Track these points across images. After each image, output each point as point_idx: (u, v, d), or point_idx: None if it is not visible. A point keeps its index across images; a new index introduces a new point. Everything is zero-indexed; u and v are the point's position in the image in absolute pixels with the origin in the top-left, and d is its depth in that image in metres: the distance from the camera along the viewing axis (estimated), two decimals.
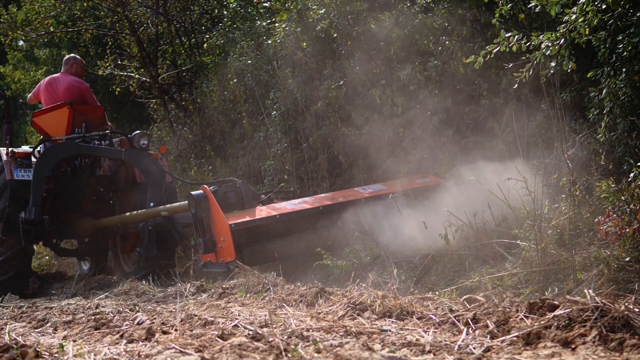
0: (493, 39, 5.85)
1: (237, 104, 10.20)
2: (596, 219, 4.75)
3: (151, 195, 7.78)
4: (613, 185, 4.81)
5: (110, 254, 9.33)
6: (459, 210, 5.74)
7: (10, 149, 8.18)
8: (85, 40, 13.70)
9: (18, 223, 7.65)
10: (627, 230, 4.43)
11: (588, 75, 5.73)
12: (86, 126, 8.24)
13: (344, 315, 4.25)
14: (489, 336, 3.45)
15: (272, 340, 3.38)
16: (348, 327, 3.76)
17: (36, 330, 4.98)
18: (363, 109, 8.00)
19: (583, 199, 5.12)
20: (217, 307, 5.09)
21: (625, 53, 5.30)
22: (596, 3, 5.09)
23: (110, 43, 12.77)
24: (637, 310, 3.36)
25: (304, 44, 8.66)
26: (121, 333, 4.15)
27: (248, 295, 5.45)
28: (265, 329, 3.81)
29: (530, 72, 5.43)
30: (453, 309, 4.09)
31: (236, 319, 4.25)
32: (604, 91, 5.50)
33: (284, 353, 3.17)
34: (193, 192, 6.57)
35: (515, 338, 3.31)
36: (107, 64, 12.42)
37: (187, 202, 6.69)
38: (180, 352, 3.28)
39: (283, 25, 8.85)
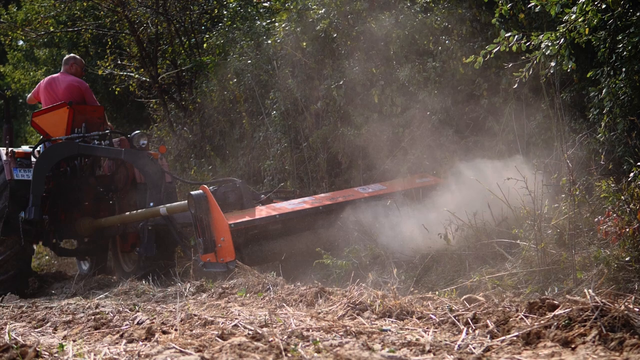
0: (493, 38, 5.86)
1: (237, 104, 10.19)
2: (596, 219, 4.75)
3: (151, 195, 7.78)
4: (613, 185, 4.81)
5: (109, 253, 9.32)
6: (459, 210, 5.74)
7: (10, 149, 8.18)
8: (85, 40, 13.70)
9: (18, 223, 7.66)
10: (627, 230, 4.43)
11: (588, 75, 5.73)
12: (86, 126, 8.24)
13: (343, 315, 4.25)
14: (488, 336, 3.45)
15: (272, 340, 3.38)
16: (348, 327, 3.76)
17: (36, 330, 4.98)
18: (363, 109, 8.00)
19: (583, 199, 5.12)
20: (217, 307, 5.09)
21: (625, 53, 5.30)
22: (596, 3, 5.09)
23: (110, 43, 12.76)
24: (637, 309, 3.36)
25: (304, 43, 8.66)
26: (121, 333, 4.15)
27: (248, 295, 5.45)
28: (265, 329, 3.81)
29: (530, 72, 5.43)
30: (453, 308, 4.09)
31: (236, 318, 4.25)
32: (604, 91, 5.50)
33: (283, 353, 3.17)
34: (192, 192, 6.57)
35: (515, 338, 3.31)
36: (107, 64, 12.42)
37: (186, 201, 6.69)
38: (180, 351, 3.28)
39: (283, 25, 8.85)
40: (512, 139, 6.65)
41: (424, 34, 7.46)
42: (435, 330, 3.75)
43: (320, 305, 4.71)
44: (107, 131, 8.38)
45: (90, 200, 8.68)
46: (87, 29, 13.08)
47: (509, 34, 5.37)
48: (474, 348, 3.27)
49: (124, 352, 3.55)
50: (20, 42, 15.30)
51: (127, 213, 8.11)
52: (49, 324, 5.13)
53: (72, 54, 9.32)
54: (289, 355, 3.15)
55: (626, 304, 3.49)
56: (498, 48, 5.42)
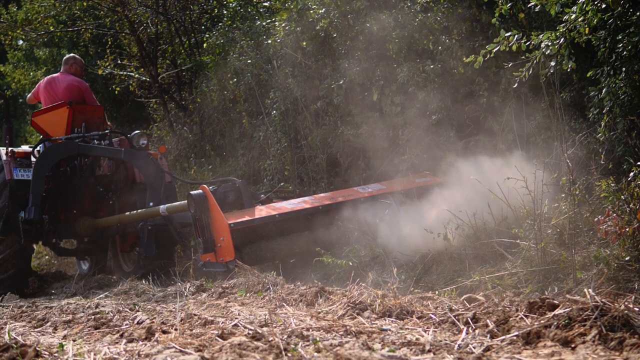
0: (493, 38, 5.85)
1: (237, 104, 10.19)
2: (596, 219, 4.75)
3: (150, 195, 7.78)
4: (613, 185, 4.81)
5: (109, 253, 9.32)
6: (459, 210, 5.74)
7: (10, 149, 8.17)
8: (85, 39, 13.69)
9: (17, 222, 7.66)
10: (627, 229, 4.43)
11: (588, 75, 5.73)
12: (86, 126, 8.23)
13: (343, 315, 4.25)
14: (488, 335, 3.45)
15: (272, 340, 3.38)
16: (348, 327, 3.76)
17: (36, 329, 4.98)
18: (362, 108, 8.00)
19: (583, 199, 5.12)
20: (217, 307, 5.09)
21: (625, 52, 5.30)
22: (596, 2, 5.09)
23: (110, 42, 12.75)
24: (637, 309, 3.36)
25: (304, 43, 8.66)
26: (121, 332, 4.15)
27: (248, 294, 5.45)
28: (265, 329, 3.81)
29: (530, 72, 5.43)
30: (453, 308, 4.09)
31: (236, 318, 4.25)
32: (604, 90, 5.50)
33: (283, 352, 3.17)
34: (192, 192, 6.57)
35: (515, 337, 3.31)
36: (107, 64, 12.42)
37: (186, 201, 6.69)
38: (180, 351, 3.27)
39: (283, 25, 8.85)
40: (512, 138, 6.65)
41: (423, 33, 7.46)
42: (435, 329, 3.75)
43: (320, 305, 4.71)
44: (107, 131, 8.38)
45: (90, 200, 8.67)
46: (87, 28, 13.08)
47: (509, 33, 5.37)
48: (474, 347, 3.27)
49: (124, 352, 3.55)
50: (20, 42, 15.30)
51: (127, 213, 8.11)
52: (49, 324, 5.13)
53: (72, 54, 9.32)
54: (289, 354, 3.15)
55: (626, 303, 3.48)
56: (498, 48, 5.42)
